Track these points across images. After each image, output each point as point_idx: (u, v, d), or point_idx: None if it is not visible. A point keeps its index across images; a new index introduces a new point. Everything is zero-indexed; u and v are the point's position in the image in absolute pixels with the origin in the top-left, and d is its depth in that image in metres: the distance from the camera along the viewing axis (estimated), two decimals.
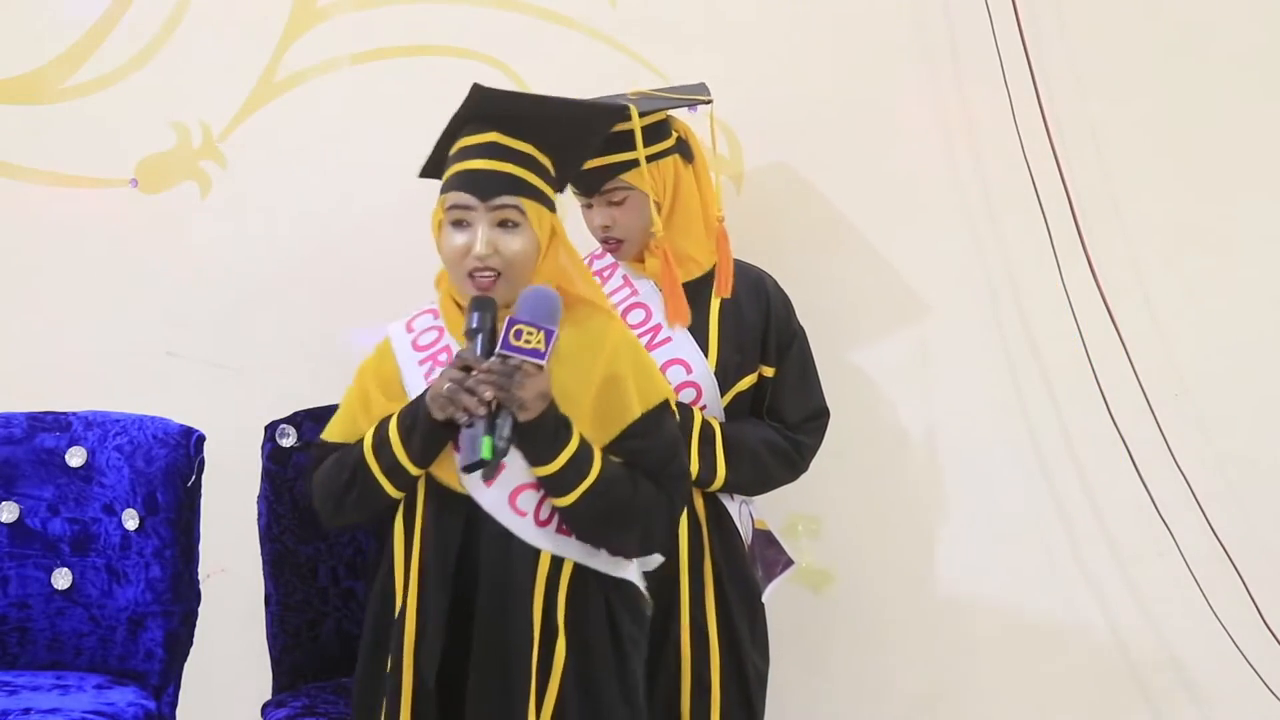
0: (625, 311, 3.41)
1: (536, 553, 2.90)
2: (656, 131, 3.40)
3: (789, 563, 3.52)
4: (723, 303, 3.42)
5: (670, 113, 3.44)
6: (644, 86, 3.60)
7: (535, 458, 2.86)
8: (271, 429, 3.53)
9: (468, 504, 2.91)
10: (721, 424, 3.39)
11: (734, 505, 3.44)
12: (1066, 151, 3.82)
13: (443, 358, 2.98)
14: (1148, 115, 3.85)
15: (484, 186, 2.90)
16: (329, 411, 3.51)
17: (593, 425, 2.90)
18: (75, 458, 3.56)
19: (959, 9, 3.85)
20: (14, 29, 3.85)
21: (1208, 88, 3.84)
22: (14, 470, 3.55)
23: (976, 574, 3.86)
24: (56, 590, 3.54)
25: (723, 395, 3.40)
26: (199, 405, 3.71)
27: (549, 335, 2.81)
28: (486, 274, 2.88)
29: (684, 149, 3.44)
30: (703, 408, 3.39)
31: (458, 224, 2.91)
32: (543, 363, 2.81)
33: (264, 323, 3.86)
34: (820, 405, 3.50)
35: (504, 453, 2.79)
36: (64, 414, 3.60)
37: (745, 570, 3.43)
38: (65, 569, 3.54)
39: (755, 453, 3.39)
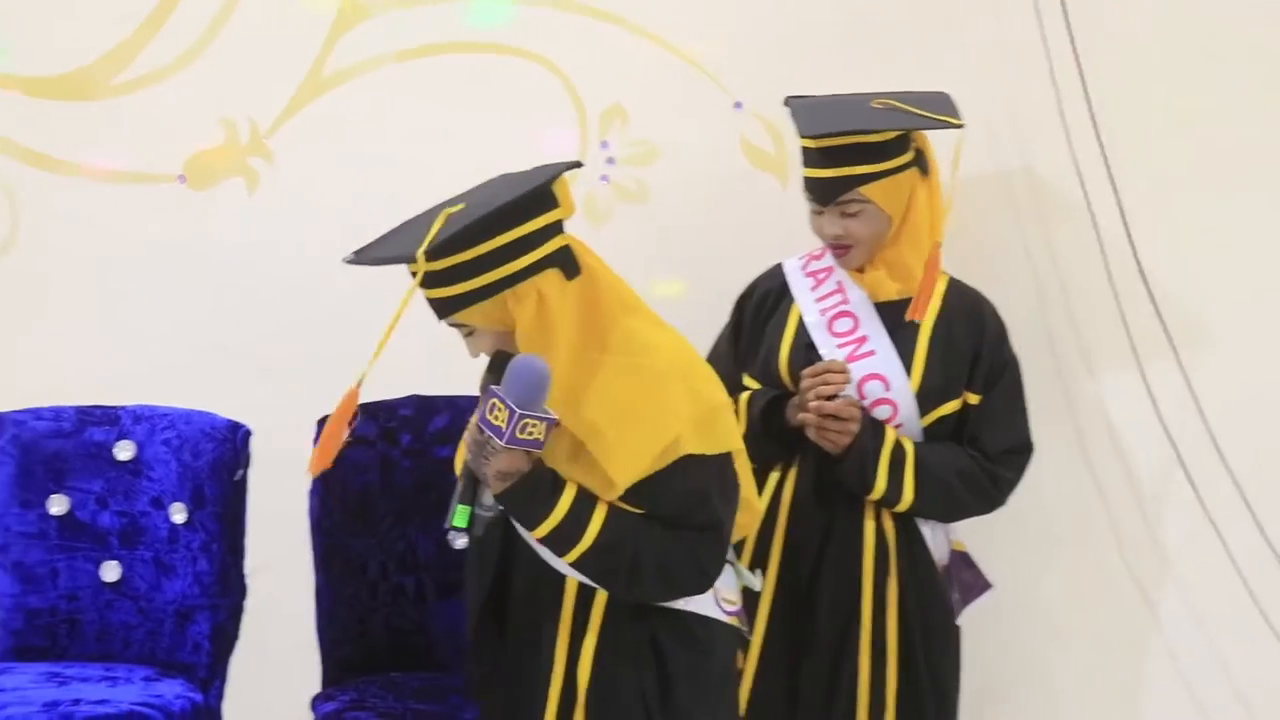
0: (833, 319, 3.39)
1: (564, 579, 2.82)
2: (898, 145, 3.35)
3: (986, 586, 3.45)
4: (934, 324, 3.37)
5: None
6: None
7: (520, 523, 2.78)
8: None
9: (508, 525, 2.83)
10: (916, 445, 3.35)
11: (928, 527, 3.40)
12: (1115, 150, 3.80)
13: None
14: (1199, 113, 3.82)
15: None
16: (378, 406, 3.55)
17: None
18: (124, 451, 3.58)
19: (1008, 7, 3.84)
20: (64, 26, 3.86)
21: (1261, 88, 3.82)
22: (64, 463, 3.57)
23: (1022, 575, 3.84)
24: (105, 583, 3.56)
25: (923, 417, 3.36)
26: (246, 400, 3.71)
27: (550, 425, 2.67)
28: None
29: (921, 161, 3.39)
30: (898, 426, 3.35)
31: None
32: (539, 451, 2.70)
33: (311, 317, 3.87)
34: (1024, 439, 3.43)
35: (485, 520, 2.72)
36: (113, 408, 3.63)
37: (936, 592, 3.39)
38: (114, 562, 3.56)
39: (946, 480, 3.34)
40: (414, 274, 2.75)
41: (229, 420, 3.60)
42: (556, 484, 2.74)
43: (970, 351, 3.40)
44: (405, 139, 3.88)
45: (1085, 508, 3.89)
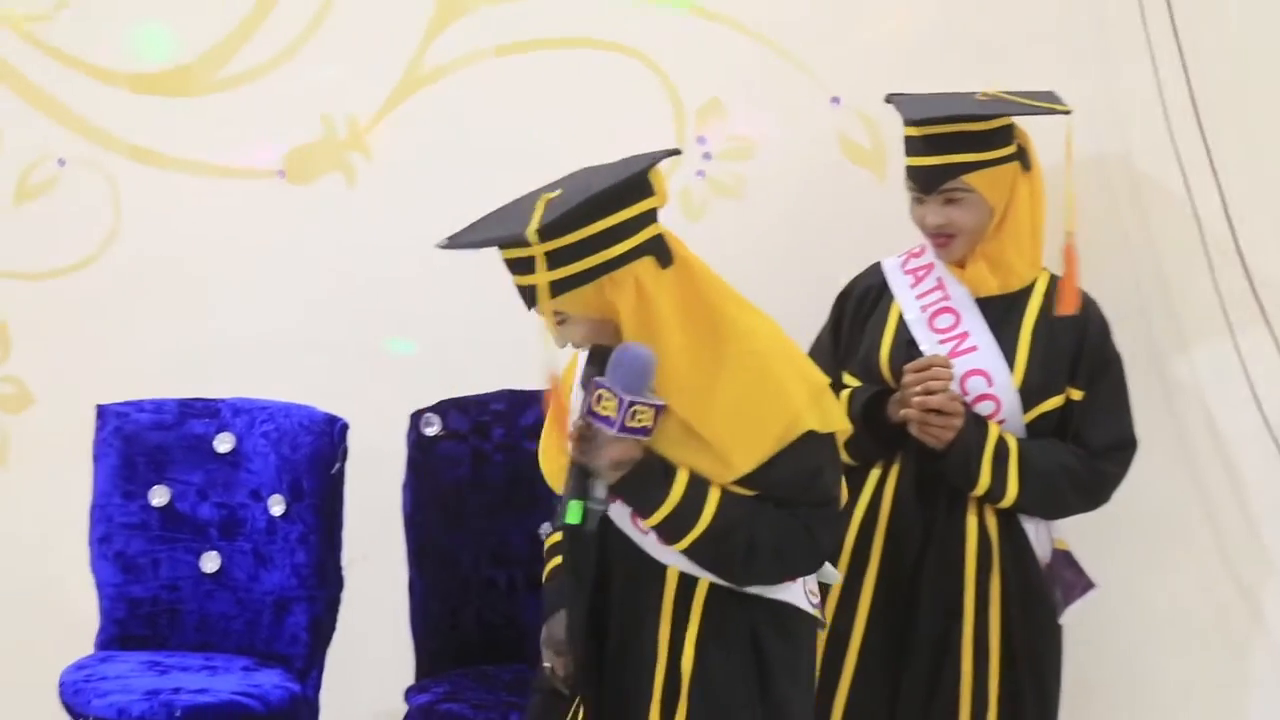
0: (933, 315, 3.39)
1: (664, 569, 2.79)
2: (1001, 136, 3.35)
3: (1089, 585, 3.41)
4: (1036, 320, 3.37)
5: (1014, 119, 3.38)
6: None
7: (635, 511, 2.76)
8: (416, 418, 3.56)
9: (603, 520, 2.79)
10: (1020, 441, 3.33)
11: (1031, 524, 3.38)
12: (1217, 137, 3.74)
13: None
14: None
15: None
16: (469, 400, 3.56)
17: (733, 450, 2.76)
18: (224, 444, 3.62)
19: None
20: (167, 23, 3.91)
21: None
22: (165, 455, 3.62)
23: (1124, 574, 3.78)
24: (205, 573, 3.60)
25: (1026, 413, 3.35)
26: (342, 393, 3.74)
27: (658, 411, 2.66)
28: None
29: (1023, 157, 3.39)
30: (1001, 422, 3.34)
31: None
32: (647, 439, 2.69)
33: (409, 312, 3.89)
34: (1127, 435, 3.41)
35: (597, 514, 2.69)
36: (213, 401, 3.67)
37: (1037, 590, 3.37)
38: (214, 552, 3.60)
39: (1050, 475, 3.32)
40: (510, 260, 2.75)
41: (327, 413, 3.63)
42: (669, 470, 2.73)
43: (1073, 347, 3.38)
44: (503, 134, 3.89)
45: (1187, 505, 3.83)
